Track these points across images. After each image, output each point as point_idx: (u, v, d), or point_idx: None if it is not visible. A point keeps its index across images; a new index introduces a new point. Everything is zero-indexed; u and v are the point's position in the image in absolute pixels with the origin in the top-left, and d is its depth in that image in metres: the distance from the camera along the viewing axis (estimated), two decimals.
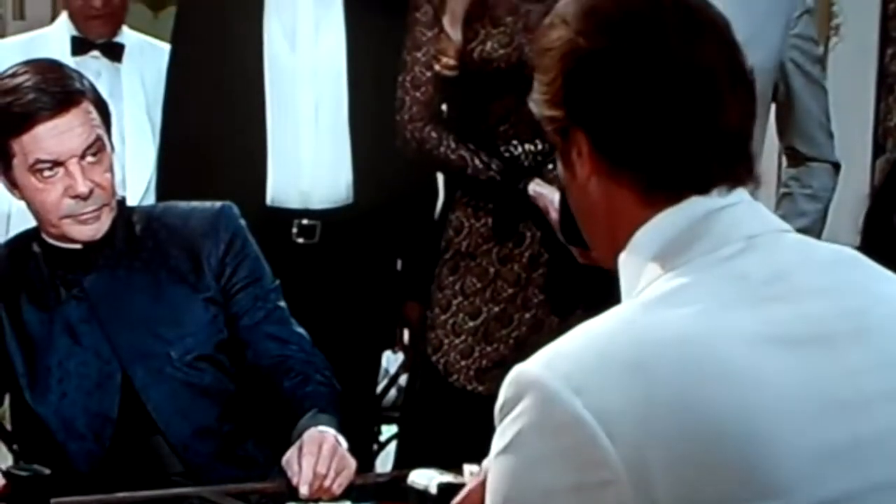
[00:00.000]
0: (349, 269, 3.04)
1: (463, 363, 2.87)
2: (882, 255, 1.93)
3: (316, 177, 3.02)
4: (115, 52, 3.45)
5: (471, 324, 2.88)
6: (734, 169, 1.43)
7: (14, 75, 2.37)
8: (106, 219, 2.40)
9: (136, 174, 3.34)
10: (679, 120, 1.40)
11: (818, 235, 3.43)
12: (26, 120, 2.33)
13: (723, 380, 1.29)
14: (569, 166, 1.47)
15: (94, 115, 2.39)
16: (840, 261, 1.47)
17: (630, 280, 1.44)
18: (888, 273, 1.48)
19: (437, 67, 2.82)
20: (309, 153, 3.03)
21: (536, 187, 2.79)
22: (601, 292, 2.32)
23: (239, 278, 2.48)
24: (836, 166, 3.51)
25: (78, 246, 2.42)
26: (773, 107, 3.43)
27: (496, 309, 2.87)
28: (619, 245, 1.45)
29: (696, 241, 1.40)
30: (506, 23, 2.79)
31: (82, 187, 2.34)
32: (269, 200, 3.00)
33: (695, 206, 1.41)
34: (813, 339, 1.35)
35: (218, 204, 2.55)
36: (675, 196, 1.42)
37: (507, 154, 2.83)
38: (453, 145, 2.84)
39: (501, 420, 1.33)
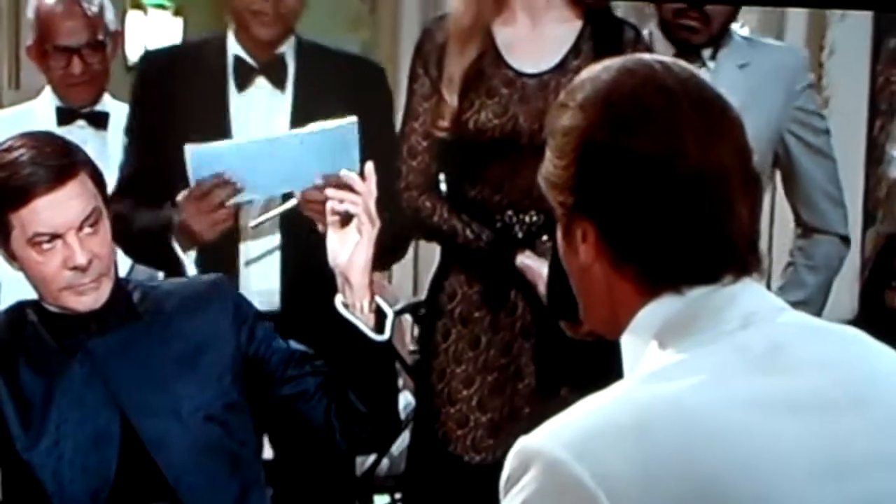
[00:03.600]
0: None
1: (459, 432, 2.87)
2: (878, 329, 1.95)
3: (245, 282, 2.96)
4: (100, 121, 3.47)
5: (465, 392, 2.88)
6: (741, 263, 1.44)
7: (10, 149, 2.36)
8: (105, 288, 2.40)
9: None
10: (689, 223, 1.41)
11: (819, 308, 3.42)
12: (24, 194, 2.32)
13: (722, 443, 1.30)
14: (572, 247, 1.48)
15: (91, 185, 2.38)
16: (839, 337, 1.48)
17: (632, 358, 1.45)
18: (885, 348, 1.49)
19: (432, 132, 2.85)
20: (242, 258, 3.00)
21: (525, 260, 2.81)
22: (590, 364, 2.35)
23: (259, 339, 2.51)
24: (845, 239, 3.47)
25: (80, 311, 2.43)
26: (777, 173, 3.45)
27: (489, 378, 2.87)
28: (620, 323, 1.46)
29: (696, 319, 1.41)
30: (501, 94, 2.82)
31: (81, 259, 2.34)
32: None
33: (694, 290, 1.43)
34: (810, 406, 1.36)
35: (212, 276, 2.59)
36: (677, 287, 1.43)
37: (500, 224, 2.85)
38: (446, 215, 2.87)
39: (507, 492, 1.33)
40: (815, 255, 3.43)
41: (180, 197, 2.79)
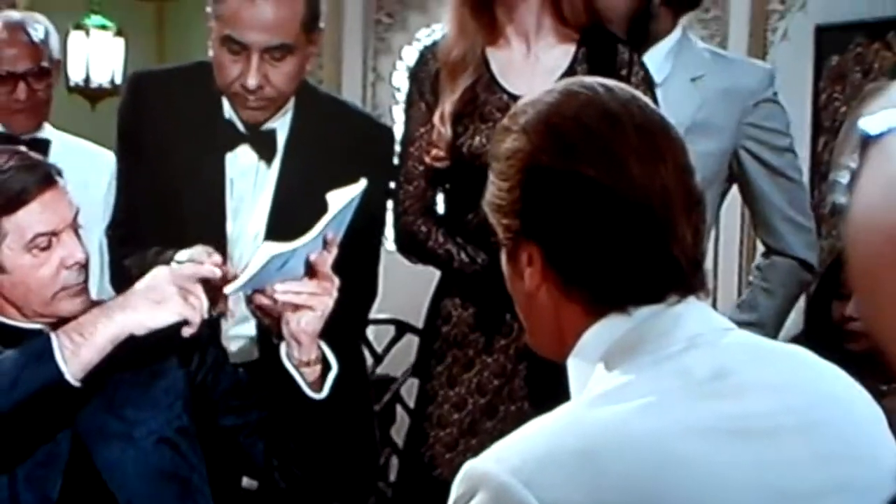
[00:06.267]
0: None
1: (447, 456, 2.86)
2: (822, 343, 1.95)
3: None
4: (40, 148, 3.38)
5: (456, 416, 2.88)
6: (685, 284, 1.46)
7: None
8: (87, 295, 2.43)
9: None
10: (633, 245, 1.43)
11: (775, 331, 3.35)
12: (21, 195, 2.35)
13: (670, 470, 1.31)
14: (517, 272, 1.49)
15: (69, 193, 2.44)
16: (785, 359, 1.49)
17: (579, 380, 1.47)
18: (832, 369, 1.50)
19: (428, 160, 2.85)
20: None
21: None
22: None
23: (208, 366, 2.50)
24: (805, 264, 3.35)
25: (39, 326, 2.41)
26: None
27: (482, 401, 2.87)
28: (567, 345, 1.47)
29: (641, 342, 1.43)
30: (495, 118, 2.80)
31: (80, 254, 2.38)
32: None
33: (640, 310, 1.43)
34: (757, 433, 1.37)
35: None
36: (623, 308, 1.44)
37: (495, 247, 2.84)
38: (441, 240, 2.87)
39: None
40: (770, 278, 3.34)
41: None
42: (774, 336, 3.29)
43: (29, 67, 3.41)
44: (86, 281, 2.43)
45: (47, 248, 2.37)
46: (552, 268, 1.45)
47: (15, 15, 3.56)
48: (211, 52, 2.80)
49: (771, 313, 3.35)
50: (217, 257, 2.47)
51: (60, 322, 2.38)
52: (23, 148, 2.57)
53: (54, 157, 3.36)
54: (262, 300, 2.35)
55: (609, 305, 1.44)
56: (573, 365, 1.47)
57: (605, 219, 1.42)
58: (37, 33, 3.45)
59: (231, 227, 2.88)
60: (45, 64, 3.44)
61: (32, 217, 2.36)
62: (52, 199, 2.38)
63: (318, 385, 2.38)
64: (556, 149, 1.44)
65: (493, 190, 1.50)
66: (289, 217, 2.75)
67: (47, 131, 3.53)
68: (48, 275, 2.38)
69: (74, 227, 2.41)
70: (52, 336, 2.27)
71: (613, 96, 1.47)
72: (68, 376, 2.23)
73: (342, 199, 2.31)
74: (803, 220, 3.35)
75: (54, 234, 2.37)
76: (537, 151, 1.45)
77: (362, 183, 2.32)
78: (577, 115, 1.46)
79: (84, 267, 2.41)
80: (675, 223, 1.43)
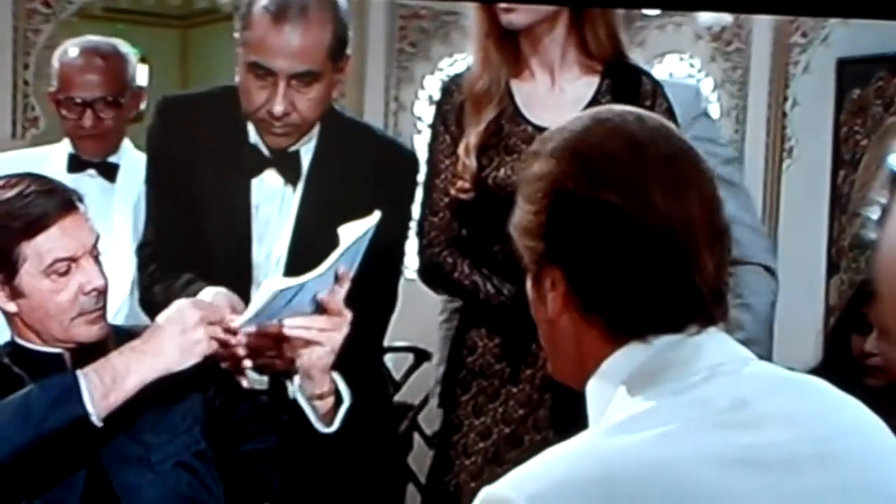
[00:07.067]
0: None
1: (472, 485, 2.86)
2: (841, 376, 1.94)
3: None
4: (109, 172, 3.47)
5: (481, 445, 2.88)
6: (706, 314, 1.46)
7: (15, 184, 2.40)
8: (105, 322, 2.44)
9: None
10: (654, 274, 1.43)
11: (768, 348, 3.37)
12: (42, 220, 2.36)
13: (686, 498, 1.31)
14: (540, 297, 1.50)
15: (90, 219, 2.45)
16: (805, 389, 1.49)
17: (597, 407, 1.47)
18: (852, 401, 1.50)
19: (453, 192, 2.86)
20: None
21: None
22: None
23: (227, 390, 2.50)
24: (770, 270, 3.37)
25: (58, 350, 2.43)
26: None
27: (507, 430, 2.88)
28: (586, 372, 1.47)
29: (660, 370, 1.43)
30: (520, 150, 2.82)
31: (99, 280, 2.39)
32: None
33: (660, 338, 1.44)
34: (775, 463, 1.37)
35: None
36: (643, 336, 1.45)
37: (522, 277, 2.85)
38: (467, 271, 2.88)
39: None
40: (742, 292, 3.32)
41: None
42: (770, 345, 3.33)
43: (98, 96, 3.43)
44: (104, 307, 2.44)
45: (66, 273, 2.38)
46: (574, 293, 1.46)
47: (95, 39, 3.55)
48: (237, 78, 2.82)
49: (756, 326, 3.35)
50: (238, 303, 2.49)
51: (78, 347, 2.41)
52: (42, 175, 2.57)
53: (123, 179, 3.44)
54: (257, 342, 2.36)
55: (629, 334, 1.45)
56: (592, 392, 1.47)
57: (628, 247, 1.42)
58: (108, 62, 3.46)
59: (256, 252, 2.88)
60: (114, 93, 3.44)
61: (52, 242, 2.37)
62: (73, 225, 2.39)
63: (330, 416, 2.38)
64: (581, 175, 1.45)
65: (520, 213, 1.51)
66: (311, 241, 2.75)
67: (120, 154, 3.51)
68: (66, 300, 2.39)
69: (94, 253, 2.42)
70: (81, 376, 2.28)
71: (642, 125, 1.48)
72: (94, 418, 2.25)
73: (354, 232, 2.30)
74: (758, 225, 3.41)
75: (73, 259, 2.38)
76: (563, 177, 1.46)
77: (376, 216, 2.32)
78: (604, 142, 1.47)
79: (102, 293, 2.42)
80: (699, 253, 1.44)
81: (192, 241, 2.87)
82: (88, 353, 2.41)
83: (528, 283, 1.53)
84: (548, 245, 1.47)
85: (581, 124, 1.50)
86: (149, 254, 2.96)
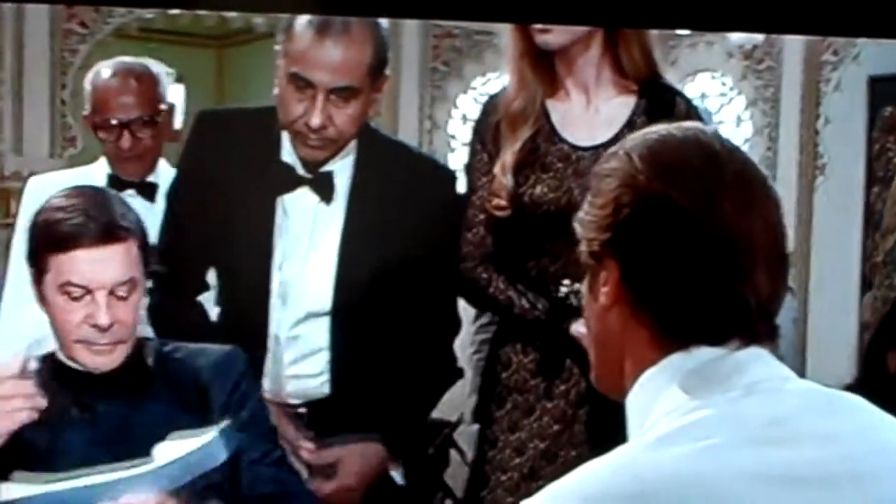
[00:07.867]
0: None
1: (509, 500, 2.88)
2: (877, 393, 1.96)
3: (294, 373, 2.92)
4: (148, 192, 3.48)
5: (517, 460, 2.90)
6: (751, 330, 1.47)
7: (68, 196, 2.41)
8: (119, 354, 2.43)
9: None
10: (707, 278, 1.45)
11: (794, 366, 3.37)
12: (68, 241, 2.35)
13: None
14: (594, 290, 1.52)
15: (136, 255, 2.41)
16: (843, 407, 1.50)
17: (636, 420, 1.48)
18: (888, 418, 1.51)
19: (488, 208, 2.88)
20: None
21: (580, 328, 2.79)
22: None
23: (241, 418, 2.49)
24: (788, 288, 3.40)
25: (76, 367, 2.44)
26: None
27: (542, 446, 2.89)
28: (626, 377, 1.49)
29: (700, 386, 1.44)
30: (556, 168, 2.86)
31: (103, 319, 2.37)
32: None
33: (702, 352, 1.46)
34: (811, 480, 1.38)
35: (227, 346, 2.58)
36: (685, 344, 1.46)
37: (556, 294, 2.88)
38: (502, 286, 2.90)
39: None
40: None
41: None
42: (795, 362, 3.30)
43: (134, 117, 3.43)
44: (114, 343, 2.41)
45: (78, 299, 2.38)
46: (626, 286, 1.48)
47: (127, 60, 3.55)
48: (276, 90, 2.84)
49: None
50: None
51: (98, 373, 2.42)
52: (116, 195, 2.57)
53: (162, 199, 3.39)
54: None
55: (673, 337, 1.46)
56: (632, 403, 1.49)
57: (686, 247, 1.44)
58: (142, 84, 3.47)
59: (283, 269, 2.90)
60: (149, 112, 3.45)
61: (72, 265, 2.36)
62: (102, 257, 2.37)
63: None
64: (653, 171, 1.47)
65: (587, 207, 1.53)
66: (357, 262, 2.80)
67: (157, 174, 3.52)
68: (73, 322, 2.39)
69: (117, 293, 2.39)
70: None
71: (721, 142, 1.51)
72: None
73: (180, 448, 2.29)
74: None
75: (87, 290, 2.37)
76: (636, 172, 1.48)
77: (210, 434, 2.31)
78: (682, 147, 1.49)
79: (105, 332, 2.39)
80: (754, 269, 1.45)
81: (208, 255, 2.90)
82: (111, 379, 2.43)
83: (585, 282, 1.56)
84: (610, 236, 1.49)
85: (662, 130, 1.53)
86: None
